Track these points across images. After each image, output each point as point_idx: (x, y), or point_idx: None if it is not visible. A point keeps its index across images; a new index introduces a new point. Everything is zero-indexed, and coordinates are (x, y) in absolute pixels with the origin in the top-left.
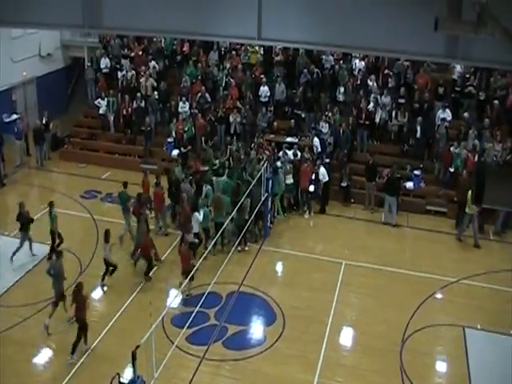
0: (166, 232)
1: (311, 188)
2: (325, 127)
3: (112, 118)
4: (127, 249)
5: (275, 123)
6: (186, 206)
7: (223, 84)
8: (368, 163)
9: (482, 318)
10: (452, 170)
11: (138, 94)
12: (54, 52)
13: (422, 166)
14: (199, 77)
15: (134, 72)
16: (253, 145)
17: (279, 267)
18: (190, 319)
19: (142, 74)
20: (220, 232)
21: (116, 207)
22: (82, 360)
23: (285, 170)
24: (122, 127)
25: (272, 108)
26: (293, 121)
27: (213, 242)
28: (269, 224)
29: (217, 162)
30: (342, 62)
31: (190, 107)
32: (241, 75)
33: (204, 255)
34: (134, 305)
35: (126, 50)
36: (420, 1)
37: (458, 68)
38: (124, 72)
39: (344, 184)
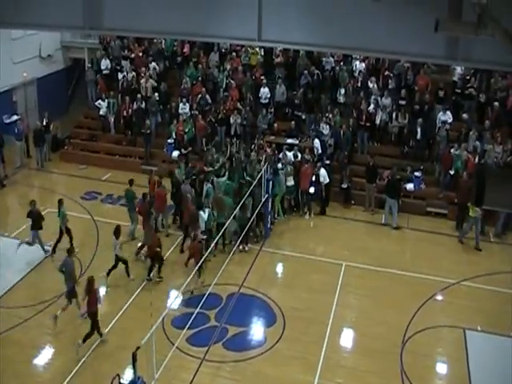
0: (167, 233)
1: (311, 189)
2: (325, 129)
3: (112, 120)
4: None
5: (275, 125)
6: (191, 206)
7: (223, 85)
8: (368, 165)
9: (482, 320)
10: (452, 172)
11: (139, 96)
12: (54, 53)
13: (422, 167)
14: (199, 78)
15: (134, 73)
16: (253, 146)
17: (279, 268)
18: (191, 320)
19: (143, 75)
20: (221, 232)
21: (116, 208)
22: (82, 360)
23: (286, 171)
24: (122, 128)
25: (272, 109)
26: (293, 122)
27: (214, 242)
28: (269, 225)
29: (220, 161)
30: (342, 63)
31: (191, 108)
32: (241, 77)
33: (205, 256)
34: (135, 305)
35: (126, 52)
36: (420, 2)
37: (459, 69)
38: (124, 73)
39: (344, 185)
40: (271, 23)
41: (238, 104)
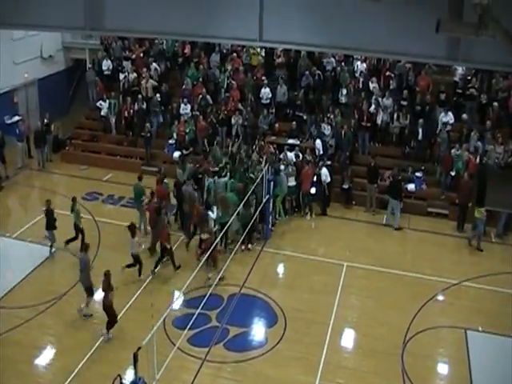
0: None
1: (313, 190)
2: (326, 129)
3: (113, 120)
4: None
5: (277, 125)
6: (199, 206)
7: (225, 86)
8: (369, 165)
9: (483, 320)
10: (453, 173)
11: (140, 96)
12: (55, 54)
13: (423, 168)
14: (201, 79)
15: (135, 74)
16: (254, 147)
17: (281, 269)
18: (192, 321)
19: (144, 75)
20: (223, 231)
21: (117, 209)
22: (83, 360)
23: (287, 172)
24: (123, 129)
25: (273, 110)
26: (294, 123)
27: (215, 242)
28: (270, 226)
29: (223, 161)
30: (343, 64)
31: (192, 109)
32: (242, 77)
33: (205, 257)
34: (137, 305)
35: (127, 52)
36: (420, 2)
37: (460, 70)
38: (125, 74)
39: (345, 186)
40: (272, 24)
41: (239, 104)
